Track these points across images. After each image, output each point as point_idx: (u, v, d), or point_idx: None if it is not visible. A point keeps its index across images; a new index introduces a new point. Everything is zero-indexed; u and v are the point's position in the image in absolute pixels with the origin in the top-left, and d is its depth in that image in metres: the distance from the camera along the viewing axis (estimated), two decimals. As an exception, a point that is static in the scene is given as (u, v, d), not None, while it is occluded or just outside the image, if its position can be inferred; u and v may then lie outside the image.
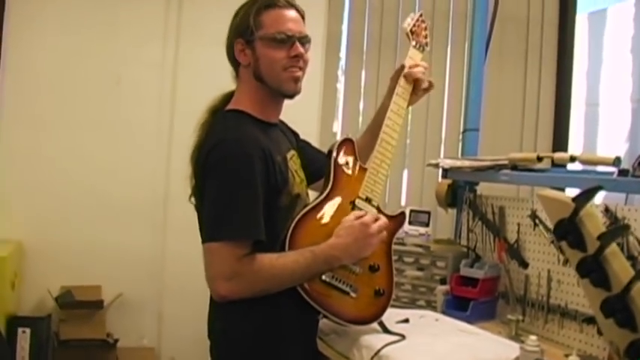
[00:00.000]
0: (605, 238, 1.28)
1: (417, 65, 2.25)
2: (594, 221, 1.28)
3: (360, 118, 4.47)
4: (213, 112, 2.08)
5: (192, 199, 2.02)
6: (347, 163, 2.10)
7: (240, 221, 1.87)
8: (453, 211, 3.44)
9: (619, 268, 1.30)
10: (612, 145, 5.02)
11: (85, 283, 4.00)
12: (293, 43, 2.02)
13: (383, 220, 2.04)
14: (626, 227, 2.17)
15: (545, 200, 1.36)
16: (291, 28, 2.02)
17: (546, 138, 4.10)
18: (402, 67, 2.26)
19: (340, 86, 4.56)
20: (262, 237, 1.88)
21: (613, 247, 1.30)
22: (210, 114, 2.07)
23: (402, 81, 2.22)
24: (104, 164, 4.13)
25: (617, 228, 2.16)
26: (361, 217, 2.00)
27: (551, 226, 1.38)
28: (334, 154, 2.10)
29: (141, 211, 4.17)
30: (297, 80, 2.05)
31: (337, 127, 4.55)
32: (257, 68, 2.02)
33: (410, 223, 3.34)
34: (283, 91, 2.05)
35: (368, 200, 2.08)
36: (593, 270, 1.33)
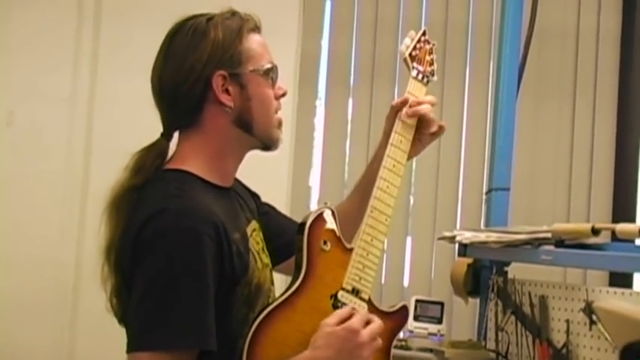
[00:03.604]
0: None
1: (419, 103, 2.22)
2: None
3: (347, 167, 4.52)
4: (138, 174, 2.01)
5: (114, 300, 1.97)
6: (325, 243, 2.06)
7: (180, 324, 1.82)
8: (475, 302, 3.47)
9: None
10: None
11: (-31, 398, 3.98)
12: (276, 79, 2.10)
13: (377, 322, 1.98)
14: None
15: (606, 314, 1.34)
16: (273, 60, 2.09)
17: (604, 201, 4.13)
18: (400, 103, 2.24)
19: (319, 123, 4.63)
20: (211, 346, 1.85)
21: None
22: (135, 179, 2.00)
23: (398, 126, 2.20)
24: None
25: None
26: (346, 319, 1.94)
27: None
28: (307, 229, 2.05)
29: (41, 302, 4.09)
30: (281, 125, 2.11)
31: (314, 180, 4.58)
32: (246, 112, 2.03)
33: (416, 318, 3.33)
34: (271, 141, 2.09)
35: (355, 292, 2.06)
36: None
